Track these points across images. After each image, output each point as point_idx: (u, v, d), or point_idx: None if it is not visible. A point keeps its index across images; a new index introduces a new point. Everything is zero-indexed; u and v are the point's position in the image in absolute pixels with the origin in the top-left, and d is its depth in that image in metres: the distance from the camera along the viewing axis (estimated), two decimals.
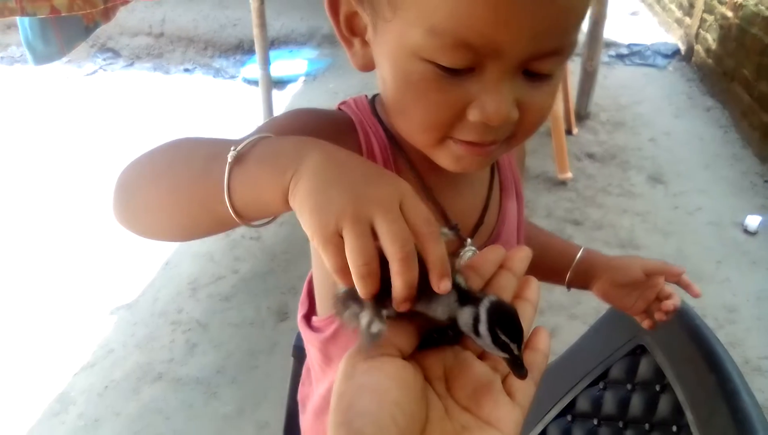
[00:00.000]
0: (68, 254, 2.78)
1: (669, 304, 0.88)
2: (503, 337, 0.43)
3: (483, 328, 0.43)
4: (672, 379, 0.89)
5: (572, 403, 1.05)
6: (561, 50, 0.52)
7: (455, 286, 0.45)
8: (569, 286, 0.97)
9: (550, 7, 0.48)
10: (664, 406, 0.90)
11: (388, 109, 0.63)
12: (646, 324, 0.92)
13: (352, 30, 0.61)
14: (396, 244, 0.40)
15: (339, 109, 0.71)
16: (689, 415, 0.83)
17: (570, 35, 0.52)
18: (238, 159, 0.48)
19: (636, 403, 0.95)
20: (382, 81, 0.60)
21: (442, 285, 0.42)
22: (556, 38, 0.51)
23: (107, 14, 2.13)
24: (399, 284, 0.41)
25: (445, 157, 0.60)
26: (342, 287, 0.47)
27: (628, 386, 0.97)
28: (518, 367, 0.44)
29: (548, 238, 1.00)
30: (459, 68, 0.51)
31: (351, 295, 0.46)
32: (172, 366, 2.14)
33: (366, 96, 0.72)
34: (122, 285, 2.55)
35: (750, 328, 2.27)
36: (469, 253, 0.68)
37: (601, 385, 1.02)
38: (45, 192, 3.31)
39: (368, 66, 0.61)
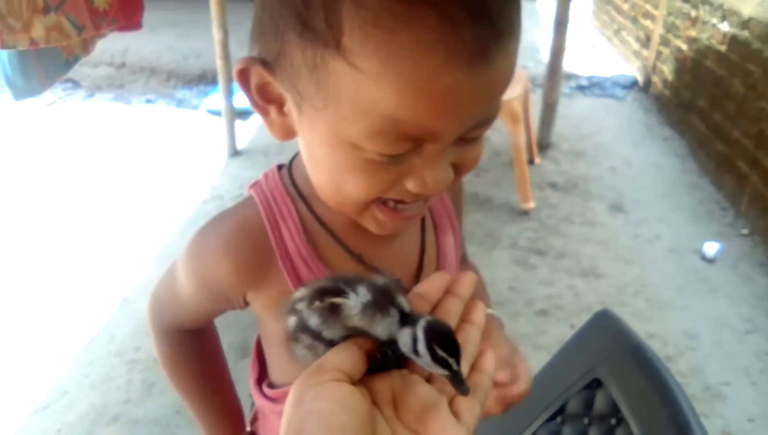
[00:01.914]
0: (21, 292, 2.68)
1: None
2: (441, 353, 0.45)
3: (421, 346, 0.45)
4: (626, 413, 0.90)
5: None
6: (491, 119, 0.54)
7: (398, 308, 0.48)
8: None
9: (486, 91, 0.49)
10: None
11: (316, 185, 0.61)
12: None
13: (265, 98, 0.58)
14: None
15: (249, 192, 0.69)
16: None
17: (498, 103, 0.54)
18: None
19: None
20: (311, 159, 0.59)
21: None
22: (487, 113, 0.53)
23: (86, 46, 2.11)
24: None
25: (369, 221, 0.60)
26: (291, 321, 0.50)
27: (585, 420, 0.97)
28: (459, 383, 0.46)
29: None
30: (399, 154, 0.52)
31: (300, 327, 0.50)
32: (129, 407, 2.07)
33: (278, 167, 0.71)
34: (78, 323, 2.47)
35: (709, 355, 2.30)
36: None
37: (559, 419, 1.01)
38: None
39: (288, 135, 0.59)
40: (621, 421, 0.91)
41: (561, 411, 1.02)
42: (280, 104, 0.58)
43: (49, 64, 1.99)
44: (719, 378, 2.18)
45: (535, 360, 2.36)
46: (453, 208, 0.80)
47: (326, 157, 0.55)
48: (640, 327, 2.42)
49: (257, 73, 0.56)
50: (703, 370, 2.22)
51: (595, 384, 0.98)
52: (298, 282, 0.64)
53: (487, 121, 0.53)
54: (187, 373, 0.82)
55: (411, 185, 0.54)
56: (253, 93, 0.57)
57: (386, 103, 0.46)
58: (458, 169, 0.56)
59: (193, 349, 0.81)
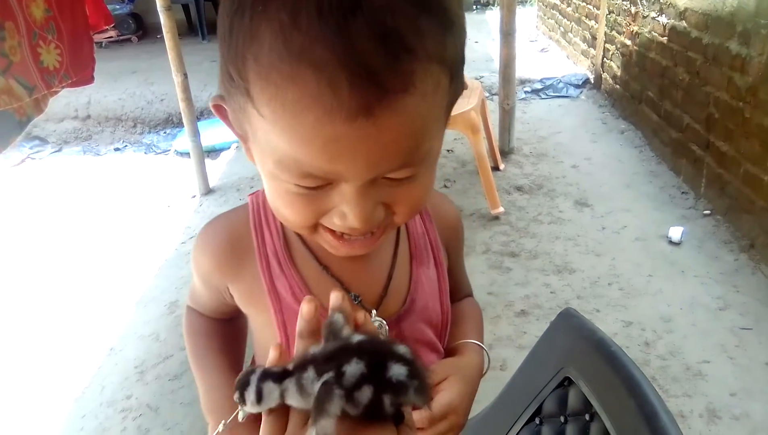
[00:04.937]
0: (7, 351, 2.67)
1: None
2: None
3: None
4: (598, 407, 0.93)
5: None
6: (409, 163, 0.55)
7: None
8: None
9: (377, 141, 0.50)
10: (594, 434, 0.95)
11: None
12: None
13: (242, 128, 0.62)
14: None
15: (248, 198, 0.78)
16: None
17: (413, 153, 0.54)
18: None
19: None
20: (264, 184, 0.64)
21: None
22: (396, 160, 0.53)
23: (38, 106, 2.11)
24: None
25: (322, 242, 0.64)
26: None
27: (561, 419, 1.02)
28: None
29: (458, 325, 0.93)
30: (314, 187, 0.55)
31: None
32: None
33: None
34: (67, 376, 2.47)
35: (686, 336, 2.36)
36: (376, 323, 0.72)
37: (537, 420, 1.06)
38: None
39: None
40: (594, 416, 0.96)
41: (538, 412, 1.07)
42: None
43: (2, 128, 1.98)
44: (698, 357, 2.24)
45: (519, 360, 2.42)
46: (448, 244, 0.84)
47: (266, 184, 0.61)
48: (616, 316, 2.49)
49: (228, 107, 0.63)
50: (681, 351, 2.28)
51: (567, 382, 1.03)
52: (270, 279, 0.73)
53: (402, 166, 0.54)
54: (204, 344, 0.88)
55: (336, 219, 0.57)
56: (232, 123, 0.62)
57: (284, 145, 0.52)
58: (393, 206, 0.58)
59: (215, 328, 0.88)
